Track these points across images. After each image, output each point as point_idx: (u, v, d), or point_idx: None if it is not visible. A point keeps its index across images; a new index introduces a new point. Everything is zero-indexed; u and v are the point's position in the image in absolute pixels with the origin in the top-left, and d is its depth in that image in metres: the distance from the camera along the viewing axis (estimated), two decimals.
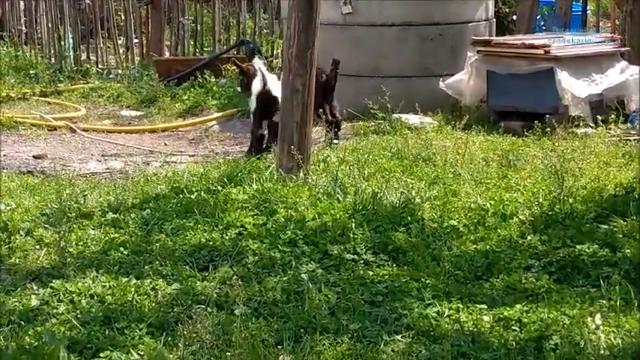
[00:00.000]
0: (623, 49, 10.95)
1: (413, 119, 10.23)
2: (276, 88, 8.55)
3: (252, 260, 5.28)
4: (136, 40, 14.88)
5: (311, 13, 6.88)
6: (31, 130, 10.77)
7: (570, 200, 6.39)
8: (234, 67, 12.24)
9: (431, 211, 6.18)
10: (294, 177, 6.78)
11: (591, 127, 10.05)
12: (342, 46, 10.56)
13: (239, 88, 9.92)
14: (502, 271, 5.18)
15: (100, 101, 12.77)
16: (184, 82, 12.67)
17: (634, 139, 9.66)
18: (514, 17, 12.34)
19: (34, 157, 9.39)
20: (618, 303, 4.55)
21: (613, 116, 10.02)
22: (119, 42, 14.98)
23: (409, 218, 5.95)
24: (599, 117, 10.09)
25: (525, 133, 9.92)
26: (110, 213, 6.27)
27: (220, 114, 11.38)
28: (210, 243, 5.60)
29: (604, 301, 4.61)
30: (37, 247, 5.73)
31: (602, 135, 9.56)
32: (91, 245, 5.66)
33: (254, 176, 6.81)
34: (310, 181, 6.85)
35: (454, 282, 4.99)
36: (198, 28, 14.61)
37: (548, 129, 9.82)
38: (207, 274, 5.13)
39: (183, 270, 5.13)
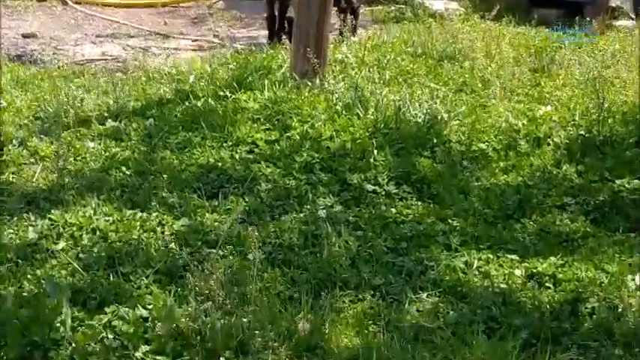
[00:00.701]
0: None
1: (437, 4, 10.11)
2: None
3: (264, 188, 5.23)
4: None
5: None
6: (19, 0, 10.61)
7: (610, 121, 6.32)
8: None
9: (458, 131, 6.11)
10: (310, 82, 6.68)
11: (632, 18, 9.92)
12: None
13: None
14: (535, 210, 5.16)
15: None
16: None
17: None
18: None
19: (23, 35, 9.28)
20: None
21: None
22: None
23: (435, 140, 5.89)
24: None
25: (559, 23, 9.87)
26: (110, 120, 6.19)
27: None
28: (220, 164, 5.53)
29: None
30: (32, 160, 5.65)
31: None
32: (90, 161, 5.60)
33: (266, 81, 6.67)
34: (327, 86, 6.77)
35: (483, 223, 4.96)
36: None
37: (586, 19, 9.77)
38: (217, 203, 5.08)
39: (191, 199, 5.08)
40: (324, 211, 4.92)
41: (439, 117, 6.20)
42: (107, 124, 6.14)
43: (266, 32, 9.08)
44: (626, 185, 5.45)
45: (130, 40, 9.24)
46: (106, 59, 8.42)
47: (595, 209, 5.21)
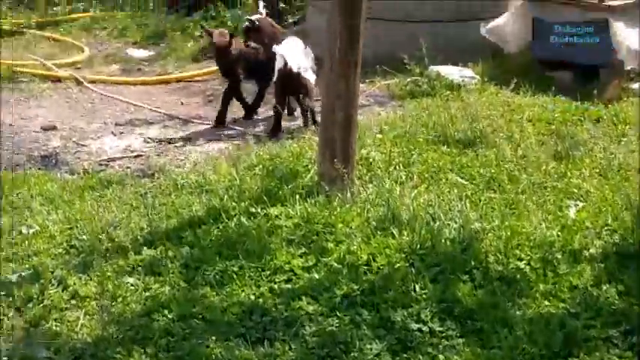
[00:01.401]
0: None
1: (452, 73, 10.08)
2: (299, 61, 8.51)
3: (309, 332, 5.22)
4: None
5: (356, 7, 6.69)
6: (34, 82, 10.59)
7: None
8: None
9: (492, 245, 6.08)
10: (339, 192, 6.69)
11: None
12: None
13: None
14: (581, 346, 5.13)
15: (102, 36, 12.55)
16: (195, 12, 12.41)
17: None
18: None
19: (42, 128, 9.25)
20: None
21: None
22: None
23: (472, 262, 5.86)
24: None
25: (574, 84, 9.85)
26: (145, 248, 6.20)
27: None
28: (260, 301, 5.54)
29: None
30: (74, 302, 5.65)
31: None
32: (132, 302, 5.59)
33: (297, 196, 6.67)
34: (356, 193, 6.79)
35: None
36: None
37: (599, 84, 9.75)
38: (263, 350, 5.07)
39: (237, 349, 5.07)
40: None
41: (473, 230, 6.18)
42: (143, 253, 6.14)
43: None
44: None
45: (149, 128, 9.22)
46: (128, 157, 8.35)
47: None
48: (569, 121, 8.82)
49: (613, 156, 7.72)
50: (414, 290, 5.59)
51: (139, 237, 6.36)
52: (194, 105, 10.10)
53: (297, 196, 6.69)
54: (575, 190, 7.12)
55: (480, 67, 10.22)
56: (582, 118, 8.94)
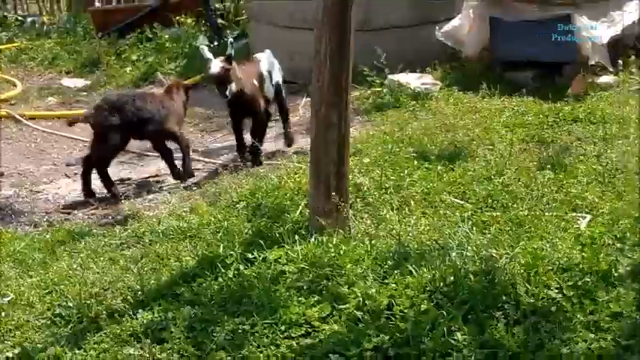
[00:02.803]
0: None
1: (413, 81, 9.66)
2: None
3: None
4: None
5: (343, 35, 6.19)
6: None
7: None
8: (187, 19, 11.50)
9: (516, 272, 5.62)
10: (336, 227, 6.19)
11: (611, 72, 9.61)
12: None
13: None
14: None
15: (32, 66, 11.86)
16: (128, 34, 11.80)
17: None
18: None
19: None
20: None
21: (633, 58, 9.65)
22: None
23: (502, 297, 5.39)
24: (619, 61, 9.67)
25: (535, 83, 9.53)
26: (141, 311, 5.60)
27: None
28: None
29: None
30: None
31: (627, 86, 9.19)
32: None
33: (296, 237, 6.14)
34: (354, 226, 6.31)
35: None
36: None
37: (562, 79, 9.46)
38: None
39: None
40: None
41: (491, 259, 5.72)
42: (140, 317, 5.55)
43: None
44: None
45: None
46: (92, 203, 7.73)
47: None
48: (545, 124, 8.44)
49: (607, 160, 7.32)
50: (450, 336, 5.08)
51: (129, 297, 5.75)
52: None
53: (295, 236, 6.12)
54: (579, 202, 6.71)
55: (439, 73, 9.83)
56: (557, 120, 8.55)
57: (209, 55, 7.98)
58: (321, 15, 6.18)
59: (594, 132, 8.04)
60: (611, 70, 9.57)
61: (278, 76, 8.55)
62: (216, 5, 11.61)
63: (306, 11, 9.89)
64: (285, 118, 8.88)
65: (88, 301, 5.68)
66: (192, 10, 11.51)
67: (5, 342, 5.49)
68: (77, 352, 5.27)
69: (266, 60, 8.44)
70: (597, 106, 8.75)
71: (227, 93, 7.82)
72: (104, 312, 5.63)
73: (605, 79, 9.44)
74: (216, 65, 7.78)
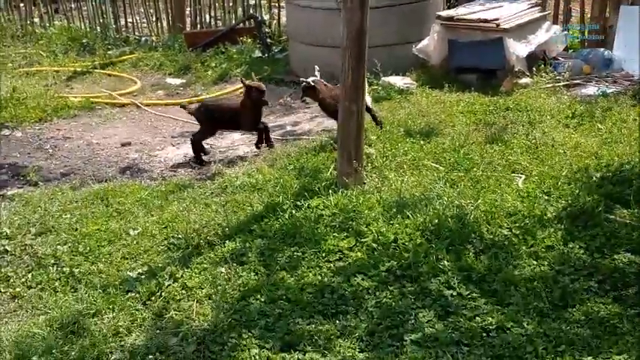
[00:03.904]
0: (546, 12, 9.88)
1: (398, 82, 9.17)
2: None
3: (370, 305, 4.36)
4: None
5: (361, 54, 5.73)
6: (106, 109, 9.43)
7: (572, 187, 5.54)
8: (247, 39, 10.98)
9: (479, 216, 5.23)
10: (354, 182, 5.79)
11: (527, 75, 9.12)
12: (337, 26, 9.31)
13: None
14: (573, 298, 4.35)
15: (146, 69, 11.33)
16: (208, 49, 11.29)
17: (563, 85, 8.80)
18: None
19: (121, 144, 8.13)
20: None
21: (542, 66, 9.17)
22: (150, 11, 13.31)
23: (472, 235, 5.01)
24: (534, 69, 9.19)
25: (478, 82, 9.06)
26: (227, 242, 5.23)
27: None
28: (326, 280, 4.66)
29: None
30: (184, 292, 4.69)
31: (539, 84, 8.72)
32: (230, 290, 4.63)
33: (330, 190, 5.73)
34: (367, 183, 5.90)
35: (550, 321, 4.11)
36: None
37: (496, 81, 9.00)
38: (341, 325, 4.17)
39: (321, 324, 4.17)
40: (431, 329, 4.04)
41: (461, 207, 5.33)
42: (227, 246, 5.17)
43: (287, 120, 8.08)
44: (623, 259, 4.65)
45: None
46: (189, 163, 7.30)
47: (615, 289, 4.38)
48: (487, 112, 7.97)
49: (533, 137, 6.89)
50: (438, 262, 4.71)
51: (218, 232, 5.36)
52: None
53: (329, 190, 5.72)
54: (516, 166, 6.29)
55: (415, 76, 9.30)
56: (495, 109, 8.07)
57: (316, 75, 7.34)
58: (345, 40, 5.73)
59: (521, 117, 7.57)
60: (528, 74, 9.05)
61: None
62: (266, 30, 10.99)
63: (328, 34, 9.41)
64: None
65: (192, 234, 5.29)
66: (250, 32, 10.95)
67: (137, 262, 5.12)
68: (186, 270, 4.91)
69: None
70: (521, 99, 8.27)
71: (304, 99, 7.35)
72: (203, 242, 5.22)
73: (524, 80, 8.94)
74: (310, 80, 7.17)
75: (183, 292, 4.67)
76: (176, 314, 4.43)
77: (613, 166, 5.95)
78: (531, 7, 9.62)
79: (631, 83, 8.86)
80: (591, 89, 8.75)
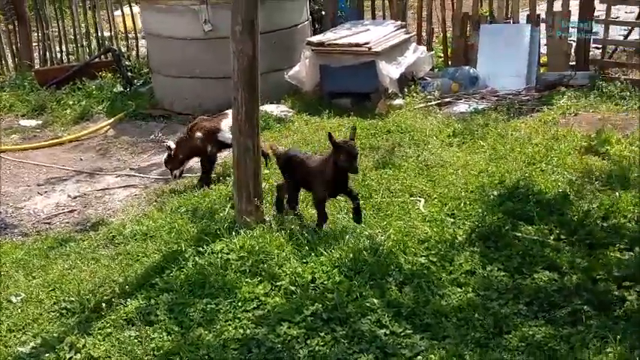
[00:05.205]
0: (411, 34, 10.06)
1: (274, 110, 8.97)
2: None
3: (304, 355, 4.07)
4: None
5: (253, 86, 5.46)
6: None
7: (475, 207, 5.55)
8: (107, 73, 10.38)
9: (394, 246, 5.07)
10: (254, 217, 5.48)
11: (400, 97, 9.22)
12: (206, 54, 9.05)
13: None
14: (508, 324, 4.25)
15: None
16: (63, 86, 10.54)
17: (435, 104, 8.97)
18: (322, 13, 10.96)
19: None
20: None
21: (412, 87, 9.31)
22: None
23: (390, 267, 4.84)
24: (405, 89, 9.31)
25: (353, 107, 9.05)
26: (129, 300, 4.75)
27: (113, 119, 9.47)
28: (248, 332, 4.30)
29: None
30: None
31: (412, 105, 8.82)
32: (142, 356, 4.17)
33: (223, 225, 5.37)
34: (268, 220, 5.60)
35: (491, 351, 4.00)
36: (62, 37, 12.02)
37: (371, 103, 9.02)
38: None
39: None
40: None
41: (374, 237, 5.16)
42: (129, 305, 4.69)
43: (162, 157, 7.56)
44: (543, 278, 4.65)
45: (66, 184, 7.51)
46: (63, 213, 6.68)
47: (544, 310, 4.36)
48: (369, 135, 7.92)
49: (423, 158, 6.88)
50: (363, 299, 4.49)
51: (116, 290, 4.86)
52: (91, 159, 8.37)
53: (231, 231, 5.36)
54: (413, 189, 6.23)
55: (290, 103, 9.13)
56: (376, 132, 8.04)
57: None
58: (237, 73, 5.45)
59: (404, 138, 7.56)
60: (400, 95, 9.13)
61: None
62: (126, 62, 10.44)
63: (196, 65, 9.21)
64: None
65: (87, 295, 4.76)
66: (109, 66, 10.36)
67: (26, 333, 4.52)
68: (87, 338, 4.39)
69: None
70: (399, 120, 8.30)
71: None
72: (101, 303, 4.70)
73: (397, 101, 9.01)
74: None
75: None
76: None
77: (508, 183, 6.01)
78: (397, 29, 9.75)
79: (498, 99, 9.18)
80: (462, 107, 8.98)
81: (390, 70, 9.12)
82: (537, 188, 5.78)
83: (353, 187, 5.37)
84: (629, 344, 3.81)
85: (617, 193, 5.58)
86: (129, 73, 10.53)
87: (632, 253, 4.76)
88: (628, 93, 8.47)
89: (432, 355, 3.94)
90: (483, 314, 4.29)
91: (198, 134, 6.76)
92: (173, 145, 6.79)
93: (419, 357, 3.95)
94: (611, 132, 6.93)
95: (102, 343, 4.31)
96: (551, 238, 5.06)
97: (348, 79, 9.14)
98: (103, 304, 4.67)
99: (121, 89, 10.29)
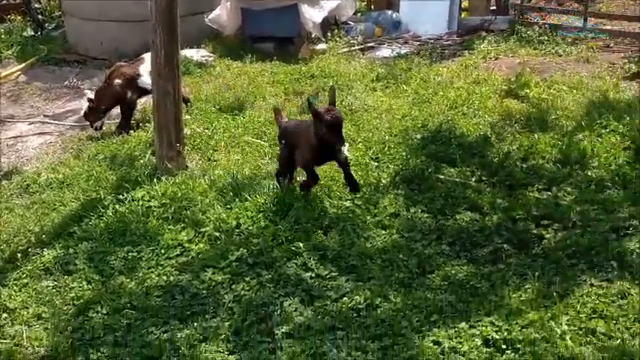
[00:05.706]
0: None
1: (195, 55, 8.74)
2: None
3: (229, 300, 4.01)
4: None
5: (172, 27, 5.27)
6: None
7: (397, 149, 5.58)
8: (16, 16, 9.86)
9: (320, 190, 5.05)
10: (175, 164, 5.37)
11: (323, 41, 9.14)
12: None
13: None
14: (431, 264, 4.30)
15: None
16: None
17: (358, 48, 8.93)
18: None
19: None
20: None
21: (336, 31, 9.23)
22: None
23: (316, 210, 4.82)
24: (329, 34, 9.21)
25: (276, 51, 8.92)
26: (46, 250, 4.59)
27: (24, 64, 9.02)
28: (172, 279, 4.21)
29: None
30: (6, 316, 4.01)
31: (335, 49, 8.76)
32: (64, 305, 4.04)
33: (144, 172, 5.24)
34: (190, 166, 5.49)
35: (415, 291, 4.04)
36: None
37: (294, 48, 8.92)
38: (204, 326, 3.79)
39: (179, 330, 3.77)
40: (300, 318, 3.79)
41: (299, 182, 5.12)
42: (46, 255, 4.53)
43: (78, 104, 7.30)
44: (465, 218, 4.72)
45: None
46: None
47: (466, 250, 4.43)
48: (293, 80, 7.83)
49: (347, 103, 6.84)
50: (289, 243, 4.46)
51: (32, 239, 4.69)
52: (1, 105, 7.98)
53: (153, 178, 5.23)
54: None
55: (211, 48, 8.91)
56: (300, 77, 7.95)
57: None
58: (154, 14, 5.25)
59: (328, 83, 7.49)
60: (323, 40, 9.04)
61: None
62: (36, 5, 9.93)
63: (116, 6, 8.82)
64: None
65: (1, 246, 4.56)
66: (18, 9, 9.82)
67: None
68: (2, 289, 4.23)
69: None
70: (323, 65, 8.23)
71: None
72: (16, 253, 4.52)
73: (321, 46, 8.94)
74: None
75: (5, 315, 4.01)
76: (2, 344, 3.77)
77: (431, 127, 6.05)
78: None
79: (420, 43, 9.20)
80: (386, 51, 8.96)
81: (313, 14, 9.00)
82: (459, 131, 5.84)
83: (343, 152, 4.56)
84: (546, 280, 3.92)
85: (535, 135, 5.69)
86: (39, 16, 10.02)
87: (549, 193, 4.88)
88: (546, 37, 8.62)
89: (357, 296, 3.95)
90: (407, 255, 4.32)
91: (117, 81, 6.50)
92: (92, 96, 6.51)
93: (344, 298, 3.95)
94: (530, 76, 7.05)
95: (18, 293, 4.15)
96: (473, 179, 5.13)
97: (270, 23, 8.98)
98: (19, 255, 4.49)
99: (32, 33, 9.80)
